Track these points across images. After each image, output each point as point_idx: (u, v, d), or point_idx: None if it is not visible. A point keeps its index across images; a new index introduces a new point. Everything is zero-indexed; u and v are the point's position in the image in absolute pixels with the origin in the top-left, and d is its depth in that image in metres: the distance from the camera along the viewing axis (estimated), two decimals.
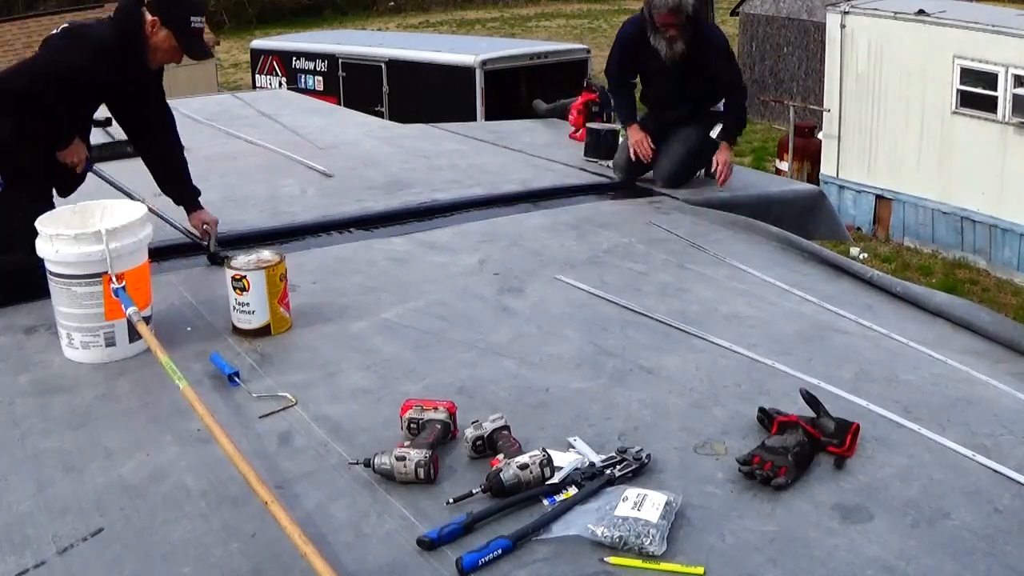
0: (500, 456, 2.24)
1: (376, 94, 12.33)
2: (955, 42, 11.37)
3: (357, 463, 2.25)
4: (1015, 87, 10.88)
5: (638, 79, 5.12)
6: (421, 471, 2.18)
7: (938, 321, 3.29)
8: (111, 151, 3.88)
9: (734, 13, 19.17)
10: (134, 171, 3.94)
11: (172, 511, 2.13)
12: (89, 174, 3.63)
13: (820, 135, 13.63)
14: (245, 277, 3.00)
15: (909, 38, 11.92)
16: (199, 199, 3.78)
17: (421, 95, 11.79)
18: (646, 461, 2.24)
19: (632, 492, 2.07)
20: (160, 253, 3.57)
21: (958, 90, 11.48)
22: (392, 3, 36.07)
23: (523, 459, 2.15)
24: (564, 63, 12.04)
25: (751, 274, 3.66)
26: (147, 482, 2.25)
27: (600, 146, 5.49)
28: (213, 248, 3.72)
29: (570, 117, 6.26)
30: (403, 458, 2.19)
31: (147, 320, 2.92)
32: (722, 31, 5.42)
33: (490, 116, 10.53)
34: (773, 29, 18.68)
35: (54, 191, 3.50)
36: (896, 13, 12.08)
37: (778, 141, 14.88)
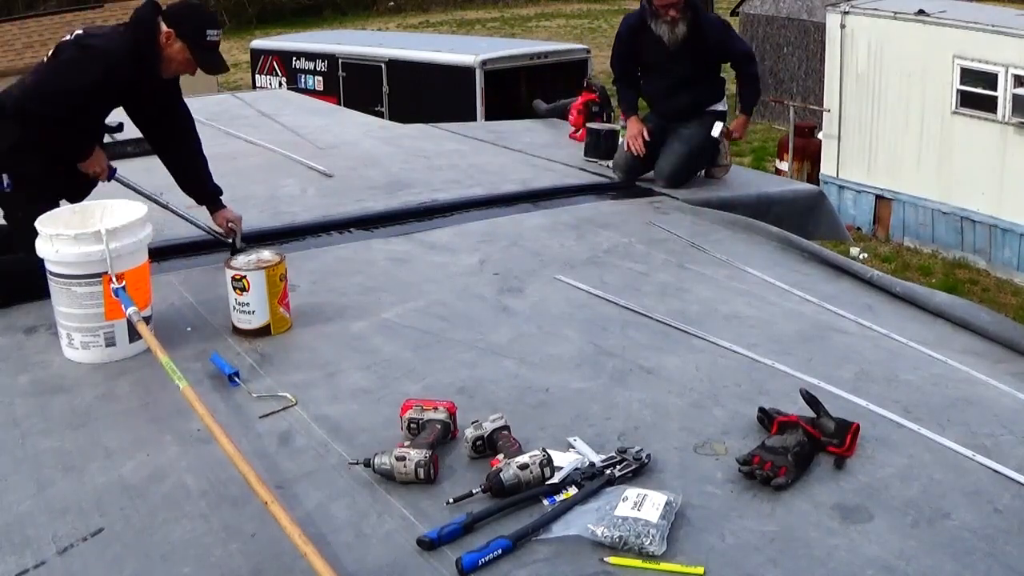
0: (500, 456, 2.24)
1: (376, 94, 12.32)
2: (955, 42, 11.36)
3: (357, 463, 2.25)
4: (1015, 87, 10.88)
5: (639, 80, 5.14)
6: (421, 471, 2.18)
7: (938, 321, 3.29)
8: (111, 152, 3.87)
9: (734, 13, 19.16)
10: (142, 170, 3.94)
11: (172, 511, 2.13)
12: (114, 182, 3.62)
13: (820, 135, 13.63)
14: (245, 277, 3.00)
15: (909, 38, 11.91)
16: (220, 197, 3.78)
17: (421, 95, 11.79)
18: (646, 461, 2.24)
19: (632, 492, 2.07)
20: (160, 253, 3.57)
21: (958, 90, 11.48)
22: (392, 3, 36.07)
23: (523, 459, 2.15)
24: (564, 63, 12.03)
25: (751, 274, 3.66)
26: (147, 482, 2.25)
27: (600, 146, 5.49)
28: (239, 245, 3.72)
29: (570, 117, 6.26)
30: (403, 458, 2.19)
31: (147, 320, 2.92)
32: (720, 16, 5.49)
33: (490, 116, 10.52)
34: (773, 29, 18.68)
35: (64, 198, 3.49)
36: (896, 13, 12.08)
37: (778, 141, 14.88)
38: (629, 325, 3.16)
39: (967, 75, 11.36)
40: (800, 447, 2.26)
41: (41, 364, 2.92)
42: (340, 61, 13.04)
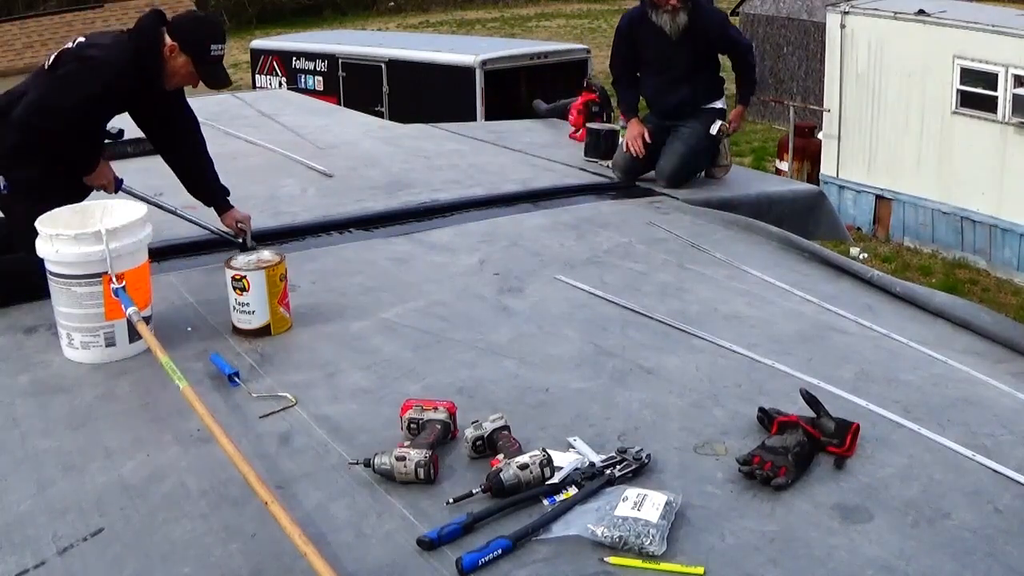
0: (500, 456, 2.24)
1: (376, 94, 12.32)
2: (955, 42, 11.37)
3: (357, 463, 2.25)
4: (1015, 87, 10.88)
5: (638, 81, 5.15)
6: (421, 471, 2.18)
7: (938, 321, 3.29)
8: (111, 152, 3.88)
9: (734, 13, 19.17)
10: (142, 171, 3.94)
11: (172, 511, 2.13)
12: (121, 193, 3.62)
13: (820, 135, 13.63)
14: (245, 277, 3.00)
15: (909, 38, 11.92)
16: (228, 198, 3.78)
17: (421, 95, 11.79)
18: (646, 461, 2.24)
19: (632, 492, 2.07)
20: (160, 253, 3.57)
21: (958, 90, 11.48)
22: (392, 3, 36.07)
23: (523, 459, 2.15)
24: (564, 63, 12.03)
25: (751, 274, 3.66)
26: (147, 482, 2.25)
27: (600, 146, 5.49)
28: (250, 244, 3.72)
29: (570, 117, 6.26)
30: (403, 458, 2.19)
31: (147, 320, 2.92)
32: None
33: (490, 116, 10.52)
34: (773, 29, 18.69)
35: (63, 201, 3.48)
36: (896, 13, 12.08)
37: (778, 141, 14.89)
38: (629, 325, 3.16)
39: (967, 75, 11.37)
40: (800, 447, 2.26)
41: (41, 364, 2.92)
42: (340, 61, 13.04)
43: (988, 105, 11.19)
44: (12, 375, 2.84)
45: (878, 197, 12.81)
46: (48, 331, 3.07)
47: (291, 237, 4.15)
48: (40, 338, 3.08)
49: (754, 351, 2.92)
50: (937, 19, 11.63)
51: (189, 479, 2.26)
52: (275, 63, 14.12)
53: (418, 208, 4.56)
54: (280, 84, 13.78)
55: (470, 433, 2.31)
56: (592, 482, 2.14)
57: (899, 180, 12.44)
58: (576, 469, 2.20)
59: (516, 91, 11.53)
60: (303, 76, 13.60)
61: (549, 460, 2.17)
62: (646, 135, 4.92)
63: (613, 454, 2.26)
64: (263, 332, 3.04)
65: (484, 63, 11.41)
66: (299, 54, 13.82)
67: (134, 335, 2.90)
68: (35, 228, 2.92)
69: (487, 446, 2.30)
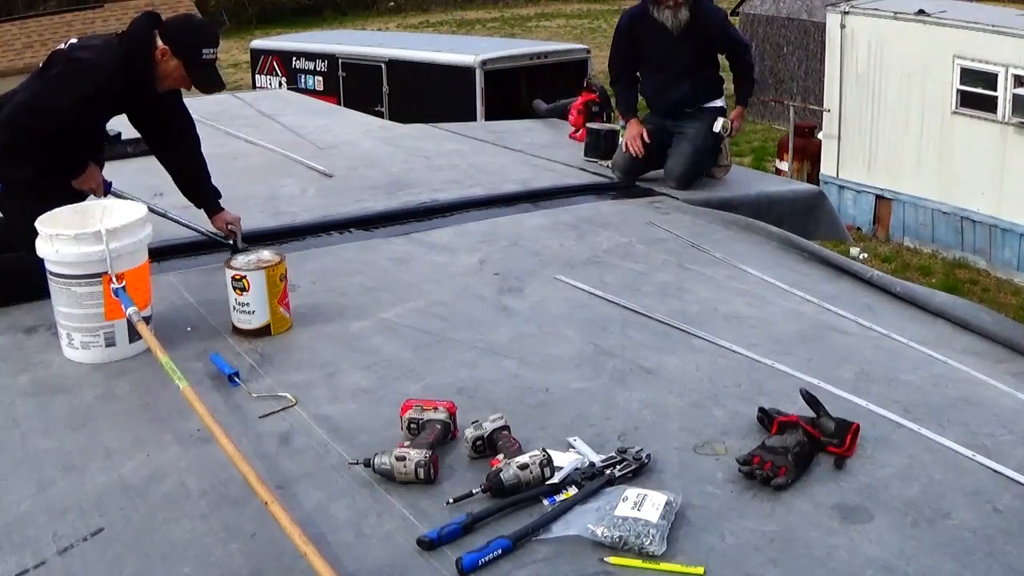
0: (500, 456, 2.24)
1: (376, 94, 12.33)
2: (955, 42, 11.37)
3: (357, 463, 2.25)
4: (1015, 87, 10.88)
5: (637, 81, 5.15)
6: (421, 471, 2.18)
7: (938, 321, 3.29)
8: (110, 153, 3.88)
9: (734, 13, 19.17)
10: (141, 171, 3.94)
11: (172, 511, 2.13)
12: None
13: (820, 135, 13.64)
14: (245, 277, 3.00)
15: (909, 38, 11.92)
16: (219, 200, 3.77)
17: (421, 95, 11.79)
18: (646, 461, 2.24)
19: (632, 492, 2.07)
20: (160, 253, 3.57)
21: (958, 90, 11.48)
22: (392, 3, 36.08)
23: (523, 459, 2.15)
24: (564, 63, 12.04)
25: (751, 274, 3.66)
26: (147, 482, 2.25)
27: (600, 146, 5.49)
28: (240, 246, 3.72)
29: (570, 117, 6.26)
30: (403, 458, 2.19)
31: (147, 320, 2.92)
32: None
33: (490, 116, 10.53)
34: (773, 29, 18.69)
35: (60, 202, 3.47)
36: (896, 13, 12.08)
37: (778, 141, 14.89)
38: (629, 325, 3.16)
39: (967, 75, 11.37)
40: (800, 447, 2.26)
41: (41, 364, 2.92)
42: (340, 61, 13.04)
43: (988, 105, 11.19)
44: (12, 375, 2.84)
45: (878, 197, 12.81)
46: (48, 331, 3.07)
47: (291, 237, 4.15)
48: (40, 338, 3.08)
49: (754, 351, 2.92)
50: (937, 19, 11.64)
51: (189, 479, 2.26)
52: (275, 63, 14.12)
53: (418, 208, 4.56)
54: (280, 84, 13.79)
55: (470, 433, 2.31)
56: (592, 482, 2.14)
57: (899, 180, 12.44)
58: (576, 469, 2.20)
59: (516, 91, 11.54)
60: (303, 76, 13.61)
61: (549, 460, 2.17)
62: (645, 135, 4.93)
63: (613, 454, 2.26)
64: (263, 332, 3.04)
65: (484, 63, 11.41)
66: (299, 54, 13.83)
67: (134, 335, 2.90)
68: (34, 228, 2.92)
69: (487, 446, 2.30)
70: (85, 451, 2.39)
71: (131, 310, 2.81)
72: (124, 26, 3.51)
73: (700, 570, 1.89)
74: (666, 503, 2.03)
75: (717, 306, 3.34)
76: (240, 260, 3.09)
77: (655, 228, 4.25)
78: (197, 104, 6.89)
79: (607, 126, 5.73)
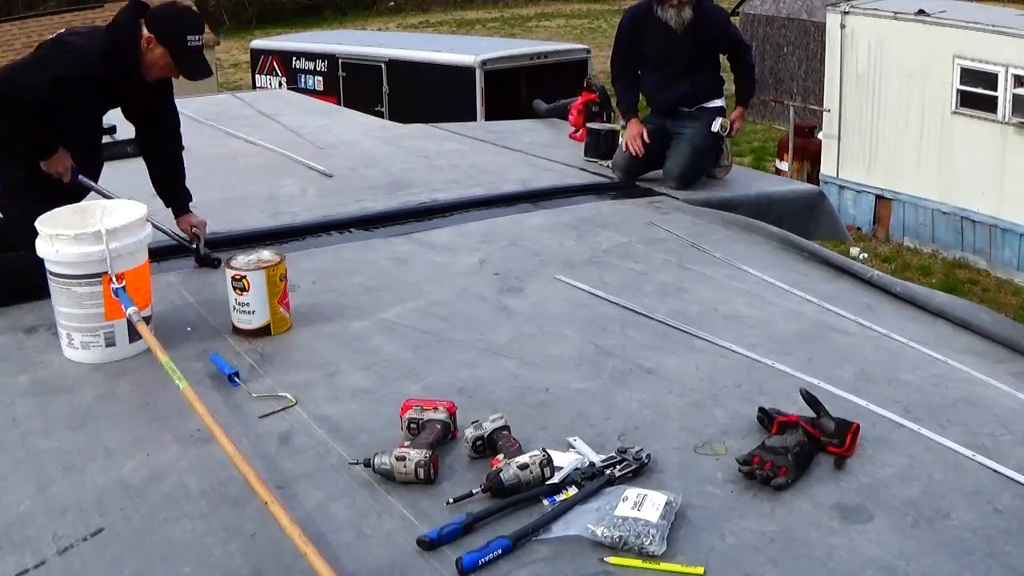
0: (500, 456, 2.24)
1: (376, 94, 12.33)
2: (955, 42, 11.37)
3: (357, 463, 2.25)
4: (1015, 87, 10.89)
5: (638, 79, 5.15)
6: (421, 471, 2.18)
7: (938, 321, 3.29)
8: (109, 152, 3.88)
9: (734, 13, 19.18)
10: (139, 171, 3.93)
11: (172, 511, 2.13)
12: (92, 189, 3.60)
13: (820, 135, 13.64)
14: (245, 277, 3.00)
15: (909, 38, 11.92)
16: (189, 204, 3.76)
17: (421, 95, 11.79)
18: (646, 461, 2.24)
19: (632, 492, 2.07)
20: (160, 253, 3.57)
21: (958, 90, 11.49)
22: (392, 3, 36.09)
23: (523, 459, 2.15)
24: (564, 63, 12.04)
25: (751, 274, 3.66)
26: (147, 482, 2.25)
27: (600, 146, 5.49)
28: (203, 251, 3.71)
29: (570, 117, 6.26)
30: (403, 458, 2.19)
31: (147, 320, 2.92)
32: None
33: (490, 116, 10.53)
34: (773, 29, 18.70)
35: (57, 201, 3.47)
36: (896, 13, 12.09)
37: (778, 141, 14.89)
38: (629, 325, 3.16)
39: (967, 75, 11.37)
40: (800, 447, 2.26)
41: (41, 364, 2.92)
42: (340, 61, 13.05)
43: (988, 105, 11.20)
44: (12, 375, 2.84)
45: (878, 197, 12.82)
46: (48, 331, 3.07)
47: (291, 237, 4.15)
48: (40, 338, 3.08)
49: (754, 351, 2.92)
50: (937, 19, 11.64)
51: (189, 479, 2.26)
52: (275, 63, 14.13)
53: (418, 208, 4.56)
54: (280, 84, 13.80)
55: (470, 433, 2.31)
56: (592, 482, 2.14)
57: (899, 180, 12.45)
58: (576, 469, 2.20)
59: (516, 91, 11.54)
60: (303, 76, 13.62)
61: (549, 460, 2.17)
62: (645, 135, 4.93)
63: (613, 454, 2.26)
64: (263, 332, 3.04)
65: (484, 63, 11.42)
66: (299, 54, 13.84)
67: (134, 335, 2.90)
68: (34, 228, 2.92)
69: (487, 446, 2.30)
70: (85, 451, 2.39)
71: (131, 310, 2.81)
72: None
73: (700, 570, 1.89)
74: (666, 503, 2.03)
75: (717, 306, 3.34)
76: (240, 260, 3.09)
77: (655, 228, 4.25)
78: (198, 104, 6.92)
79: (607, 126, 5.74)
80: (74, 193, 3.42)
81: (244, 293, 3.00)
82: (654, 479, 2.21)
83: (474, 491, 2.11)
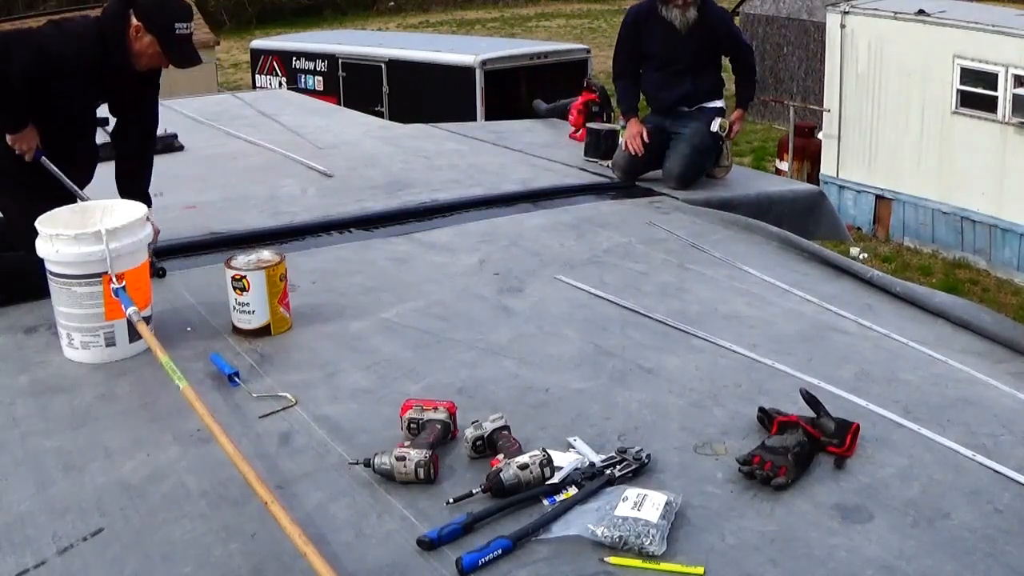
0: (500, 456, 2.24)
1: (376, 94, 12.33)
2: (955, 42, 11.38)
3: (357, 463, 2.25)
4: (1015, 87, 10.89)
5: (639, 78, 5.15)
6: (421, 471, 2.18)
7: (938, 321, 3.28)
8: (109, 151, 3.88)
9: (734, 13, 19.18)
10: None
11: (172, 511, 2.13)
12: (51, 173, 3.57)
13: (820, 135, 13.65)
14: (245, 277, 3.00)
15: (909, 38, 11.93)
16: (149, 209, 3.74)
17: (421, 95, 11.79)
18: (646, 461, 2.24)
19: (632, 492, 2.07)
20: (160, 253, 3.57)
21: (958, 90, 11.49)
22: (392, 3, 36.10)
23: (523, 459, 2.15)
24: (564, 63, 12.04)
25: (751, 274, 3.66)
26: (147, 482, 2.25)
27: (600, 146, 5.49)
28: (150, 258, 3.67)
29: (570, 117, 6.26)
30: (403, 458, 2.19)
31: (147, 320, 2.92)
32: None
33: (490, 116, 10.53)
34: (773, 29, 18.71)
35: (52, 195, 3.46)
36: (896, 13, 12.09)
37: (778, 141, 14.90)
38: (629, 325, 3.16)
39: (967, 75, 11.38)
40: (800, 447, 2.26)
41: (41, 364, 2.92)
42: (340, 61, 13.05)
43: (988, 105, 11.20)
44: (12, 375, 2.84)
45: (878, 197, 12.82)
46: (48, 331, 3.07)
47: (291, 237, 4.15)
48: (40, 338, 3.08)
49: (754, 351, 2.92)
50: (937, 19, 11.65)
51: (189, 479, 2.26)
52: (275, 63, 14.13)
53: (418, 208, 4.56)
54: (280, 84, 13.79)
55: (470, 433, 2.31)
56: (592, 482, 2.14)
57: (899, 180, 12.45)
58: (576, 469, 2.20)
59: (516, 91, 11.54)
60: (303, 76, 13.61)
61: (549, 460, 2.17)
62: (645, 134, 4.93)
63: (613, 454, 2.26)
64: (263, 332, 3.04)
65: (484, 63, 11.42)
66: (299, 54, 13.84)
67: (134, 335, 2.90)
68: (34, 228, 2.91)
69: (487, 446, 2.30)
70: (85, 451, 2.39)
71: (131, 310, 2.81)
72: None
73: (700, 570, 1.89)
74: (666, 503, 2.03)
75: (717, 306, 3.34)
76: (240, 260, 3.09)
77: (655, 228, 4.25)
78: (197, 104, 6.92)
79: (607, 126, 5.73)
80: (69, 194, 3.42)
81: (244, 293, 3.00)
82: (654, 479, 2.21)
83: (474, 491, 2.11)
